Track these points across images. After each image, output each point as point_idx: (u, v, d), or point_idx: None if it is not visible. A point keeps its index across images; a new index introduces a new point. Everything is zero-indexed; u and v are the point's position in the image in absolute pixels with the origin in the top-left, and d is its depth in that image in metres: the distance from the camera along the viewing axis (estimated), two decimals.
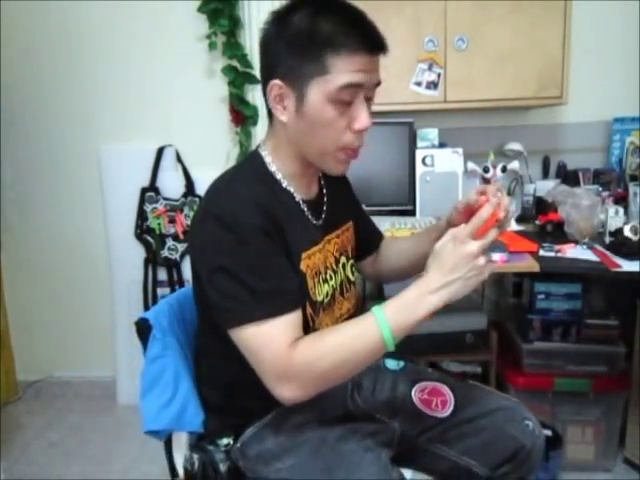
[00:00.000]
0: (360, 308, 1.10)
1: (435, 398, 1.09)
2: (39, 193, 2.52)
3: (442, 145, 2.13)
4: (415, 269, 1.10)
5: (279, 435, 0.96)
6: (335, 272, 1.02)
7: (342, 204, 1.09)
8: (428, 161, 2.06)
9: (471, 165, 2.04)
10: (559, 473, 1.74)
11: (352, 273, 1.09)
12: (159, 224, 2.39)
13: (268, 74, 0.89)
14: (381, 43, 0.88)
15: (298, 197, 0.96)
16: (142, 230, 2.40)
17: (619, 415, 1.83)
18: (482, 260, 0.82)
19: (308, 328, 0.92)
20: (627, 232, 1.70)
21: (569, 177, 2.16)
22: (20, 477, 1.99)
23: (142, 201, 2.38)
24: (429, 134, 2.13)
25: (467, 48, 1.95)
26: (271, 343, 0.83)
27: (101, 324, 2.52)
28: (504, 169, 2.00)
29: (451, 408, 1.07)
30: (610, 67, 2.21)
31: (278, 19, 0.88)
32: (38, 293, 2.58)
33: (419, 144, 2.12)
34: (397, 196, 2.13)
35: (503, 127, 2.27)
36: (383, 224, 1.91)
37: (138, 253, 2.41)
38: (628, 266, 1.56)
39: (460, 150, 2.06)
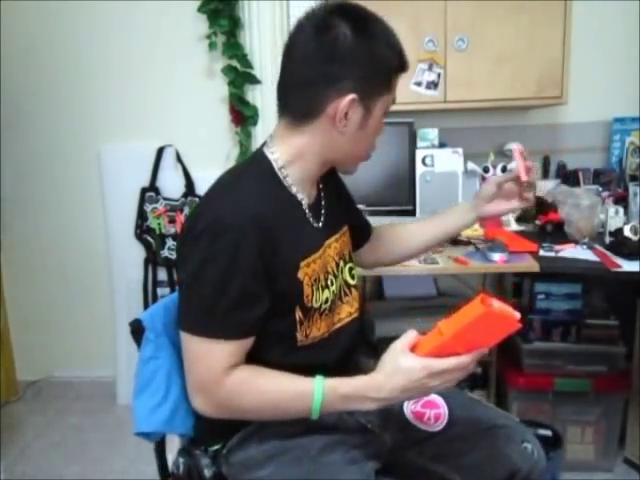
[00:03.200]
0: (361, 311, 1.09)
1: (429, 410, 1.05)
2: (39, 193, 2.52)
3: (442, 145, 2.13)
4: (431, 247, 1.25)
5: (263, 442, 0.95)
6: (336, 277, 1.01)
7: (338, 208, 1.07)
8: (428, 161, 2.06)
9: (471, 165, 2.04)
10: (559, 473, 1.73)
11: (351, 277, 1.07)
12: (159, 224, 2.39)
13: (335, 84, 0.87)
14: None
15: (305, 202, 0.95)
16: (142, 230, 2.40)
17: (619, 415, 1.83)
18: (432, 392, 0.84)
19: (295, 331, 0.91)
20: (627, 232, 1.70)
21: (569, 177, 2.16)
22: (20, 477, 1.99)
23: (142, 201, 2.38)
24: (429, 134, 2.13)
25: (467, 48, 1.95)
26: (207, 361, 0.85)
27: (101, 324, 2.52)
28: (504, 169, 2.00)
29: (444, 422, 1.03)
30: (610, 67, 2.21)
31: (358, 27, 0.88)
32: (38, 293, 2.59)
33: (419, 144, 2.12)
34: (397, 196, 2.13)
35: (503, 127, 2.27)
36: (383, 224, 1.91)
37: (138, 253, 2.41)
38: (628, 266, 1.56)
39: (460, 150, 2.06)
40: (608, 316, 1.83)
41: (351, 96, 0.87)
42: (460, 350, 0.79)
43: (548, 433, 1.70)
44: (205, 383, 0.86)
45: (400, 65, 0.92)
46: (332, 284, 0.98)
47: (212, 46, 2.20)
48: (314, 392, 0.83)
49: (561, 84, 1.95)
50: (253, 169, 0.94)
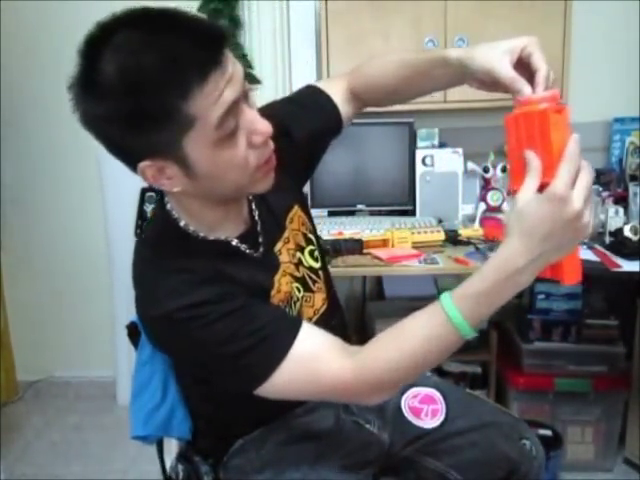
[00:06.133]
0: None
1: (426, 406, 1.02)
2: (39, 193, 2.52)
3: (442, 145, 2.13)
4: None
5: (262, 449, 0.94)
6: (297, 278, 0.92)
7: (278, 198, 0.90)
8: (428, 161, 2.06)
9: (471, 165, 2.04)
10: (559, 473, 1.74)
11: (315, 260, 0.96)
12: None
13: (124, 158, 0.71)
14: (220, 38, 0.67)
15: (234, 240, 0.83)
16: (142, 230, 2.39)
17: (619, 415, 1.83)
18: (586, 216, 0.64)
19: None
20: (627, 232, 1.70)
21: None
22: (20, 477, 1.99)
23: (142, 201, 2.38)
24: (429, 134, 2.13)
25: None
26: (312, 365, 0.75)
27: (101, 324, 2.52)
28: (504, 169, 2.00)
29: (441, 418, 1.00)
30: (610, 67, 2.21)
31: (92, 91, 0.65)
32: (38, 293, 2.58)
33: (419, 144, 2.12)
34: (397, 196, 2.13)
35: (503, 127, 2.26)
36: (383, 224, 1.91)
37: None
38: (628, 266, 1.56)
39: (460, 150, 2.06)
40: (608, 316, 1.83)
41: (141, 165, 0.70)
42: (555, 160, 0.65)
43: (548, 433, 1.70)
44: (347, 389, 0.75)
45: (183, 80, 0.64)
46: (299, 290, 0.91)
47: None
48: (450, 318, 0.69)
49: (561, 84, 1.95)
50: (165, 240, 0.81)
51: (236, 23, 2.19)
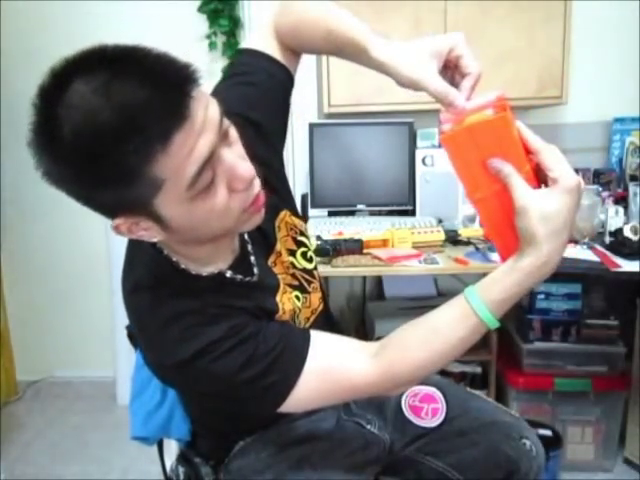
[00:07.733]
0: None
1: (426, 405, 1.02)
2: (39, 193, 2.51)
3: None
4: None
5: (263, 451, 0.94)
6: (295, 286, 0.91)
7: (268, 217, 0.82)
8: (428, 161, 2.06)
9: None
10: (559, 473, 1.74)
11: (308, 260, 0.96)
12: None
13: (99, 213, 0.66)
14: (186, 83, 0.60)
15: (228, 272, 0.79)
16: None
17: (619, 415, 1.83)
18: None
19: None
20: (627, 232, 1.70)
21: None
22: (20, 477, 1.99)
23: None
24: (429, 134, 2.13)
25: None
26: (341, 372, 0.77)
27: (101, 324, 2.52)
28: None
29: (442, 417, 1.00)
30: (610, 67, 2.21)
31: (50, 152, 0.60)
32: (38, 293, 2.59)
33: (419, 144, 2.12)
34: (397, 196, 2.13)
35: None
36: (383, 224, 1.91)
37: None
38: (628, 266, 1.56)
39: None
40: (608, 316, 1.82)
41: (113, 223, 0.65)
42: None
43: (548, 433, 1.70)
44: (375, 386, 0.77)
45: (145, 141, 0.57)
46: (298, 299, 0.90)
47: (212, 46, 2.20)
48: (484, 321, 0.75)
49: (561, 84, 1.95)
50: (162, 281, 0.76)
51: (236, 23, 2.19)
